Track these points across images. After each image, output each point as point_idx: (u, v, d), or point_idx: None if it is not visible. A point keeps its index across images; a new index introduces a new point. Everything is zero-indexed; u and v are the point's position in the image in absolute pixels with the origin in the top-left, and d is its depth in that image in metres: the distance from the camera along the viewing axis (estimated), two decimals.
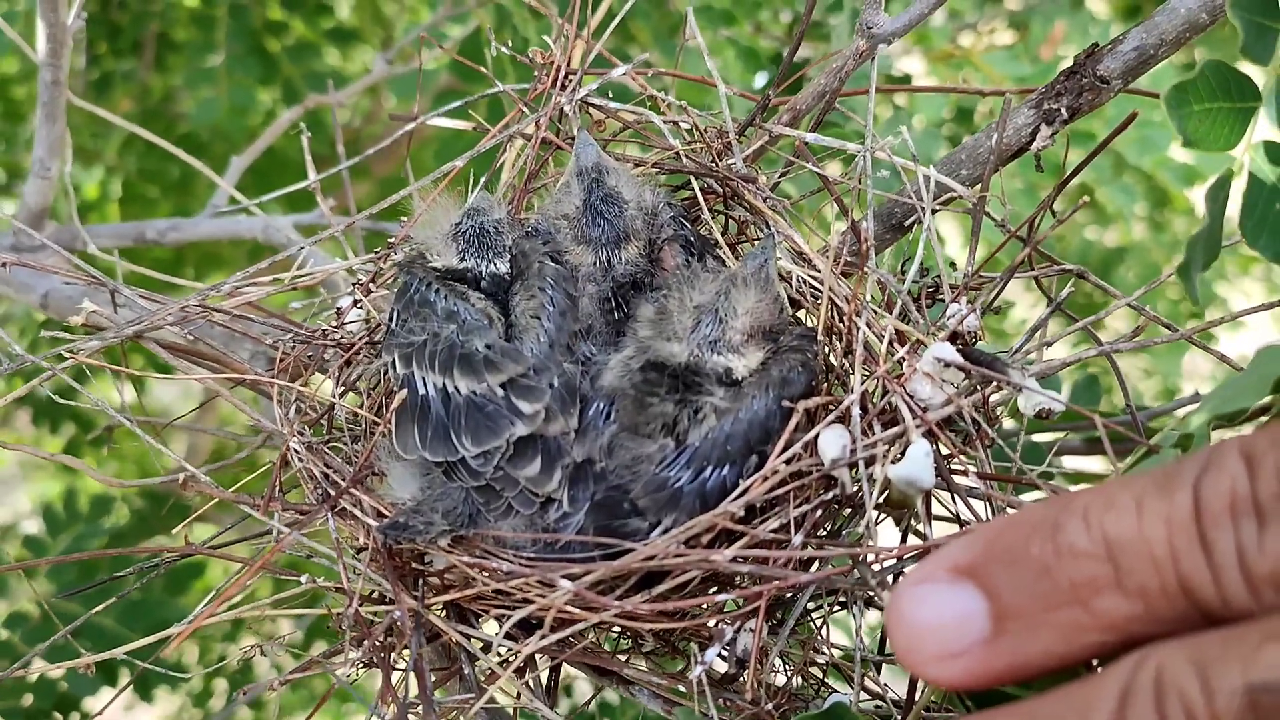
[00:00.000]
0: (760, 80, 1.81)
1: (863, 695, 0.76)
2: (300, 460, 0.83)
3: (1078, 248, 2.82)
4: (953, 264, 0.87)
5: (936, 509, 0.79)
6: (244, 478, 0.93)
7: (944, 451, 0.75)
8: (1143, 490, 0.41)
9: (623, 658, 0.83)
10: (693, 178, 0.94)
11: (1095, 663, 0.45)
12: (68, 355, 0.85)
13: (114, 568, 1.75)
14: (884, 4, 0.86)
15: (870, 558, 0.69)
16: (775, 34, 1.99)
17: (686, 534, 0.71)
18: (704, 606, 0.75)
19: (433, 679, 0.81)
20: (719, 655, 0.73)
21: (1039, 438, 1.21)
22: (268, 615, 0.86)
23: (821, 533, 0.79)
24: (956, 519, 0.79)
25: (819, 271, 0.85)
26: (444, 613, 0.81)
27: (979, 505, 0.76)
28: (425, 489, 0.80)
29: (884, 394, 0.76)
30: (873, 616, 0.83)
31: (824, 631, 0.82)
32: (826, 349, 0.85)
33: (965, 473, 0.75)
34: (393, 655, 0.79)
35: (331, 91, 1.41)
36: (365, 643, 0.77)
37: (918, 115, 1.77)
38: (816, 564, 0.77)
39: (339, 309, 0.94)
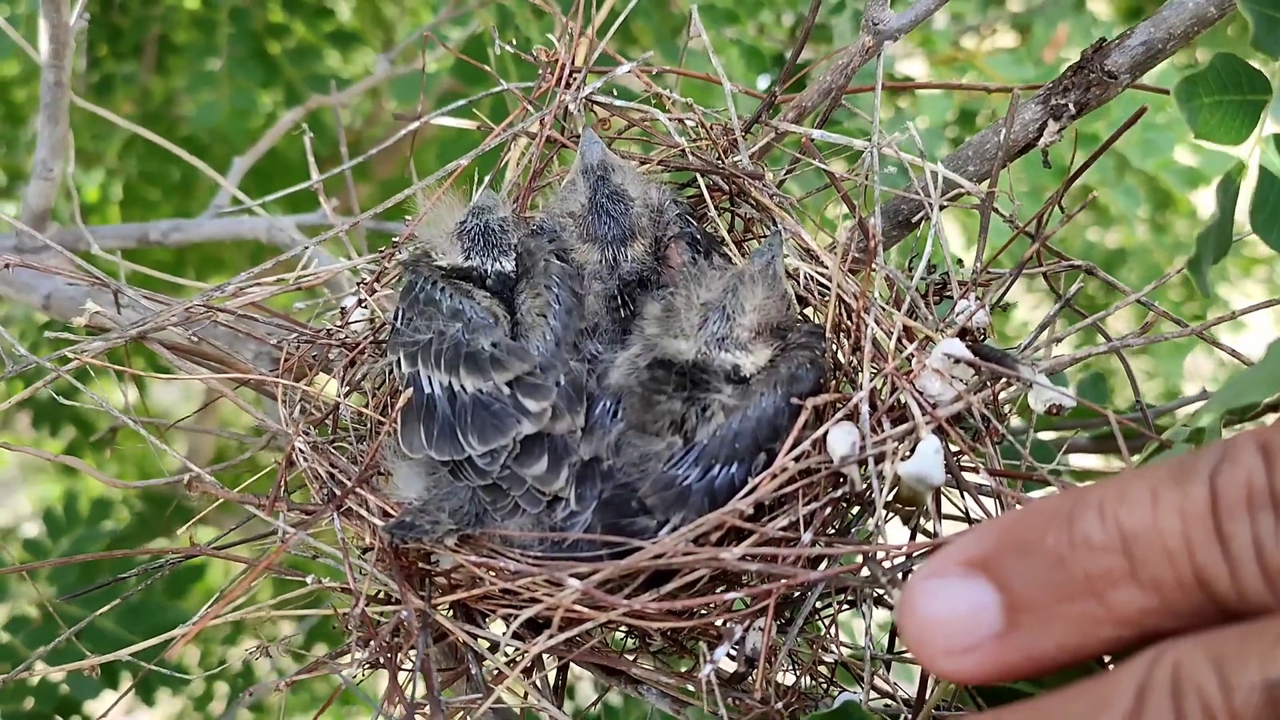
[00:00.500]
0: (763, 83, 1.81)
1: (873, 694, 0.76)
2: (305, 460, 0.82)
3: (1080, 249, 2.82)
4: (959, 261, 0.86)
5: (946, 507, 0.78)
6: (246, 479, 0.92)
7: (954, 448, 0.75)
8: (1158, 482, 0.41)
9: (630, 657, 0.82)
10: (698, 175, 0.94)
11: (1108, 660, 0.45)
12: (73, 356, 0.84)
13: (115, 570, 1.75)
14: (889, 1, 0.86)
15: (880, 555, 0.69)
16: (778, 36, 1.99)
17: (695, 532, 0.71)
18: (712, 605, 0.75)
19: (439, 679, 0.81)
20: (728, 654, 0.73)
21: (1046, 436, 1.21)
22: (270, 617, 0.86)
23: (830, 531, 0.79)
24: (966, 516, 0.79)
25: (826, 268, 0.85)
26: (450, 613, 0.81)
27: (989, 502, 0.76)
28: (431, 488, 0.79)
29: (893, 391, 0.75)
30: (882, 615, 0.83)
31: (833, 630, 0.82)
32: (834, 346, 0.84)
33: (975, 470, 0.75)
34: (399, 655, 0.79)
35: (334, 92, 1.40)
36: (371, 643, 0.77)
37: (921, 117, 1.77)
38: (825, 562, 0.76)
39: (343, 309, 0.94)
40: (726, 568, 0.70)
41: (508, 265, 0.86)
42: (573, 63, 0.96)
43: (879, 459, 0.72)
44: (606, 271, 0.88)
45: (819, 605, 0.80)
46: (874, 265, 0.80)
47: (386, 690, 0.76)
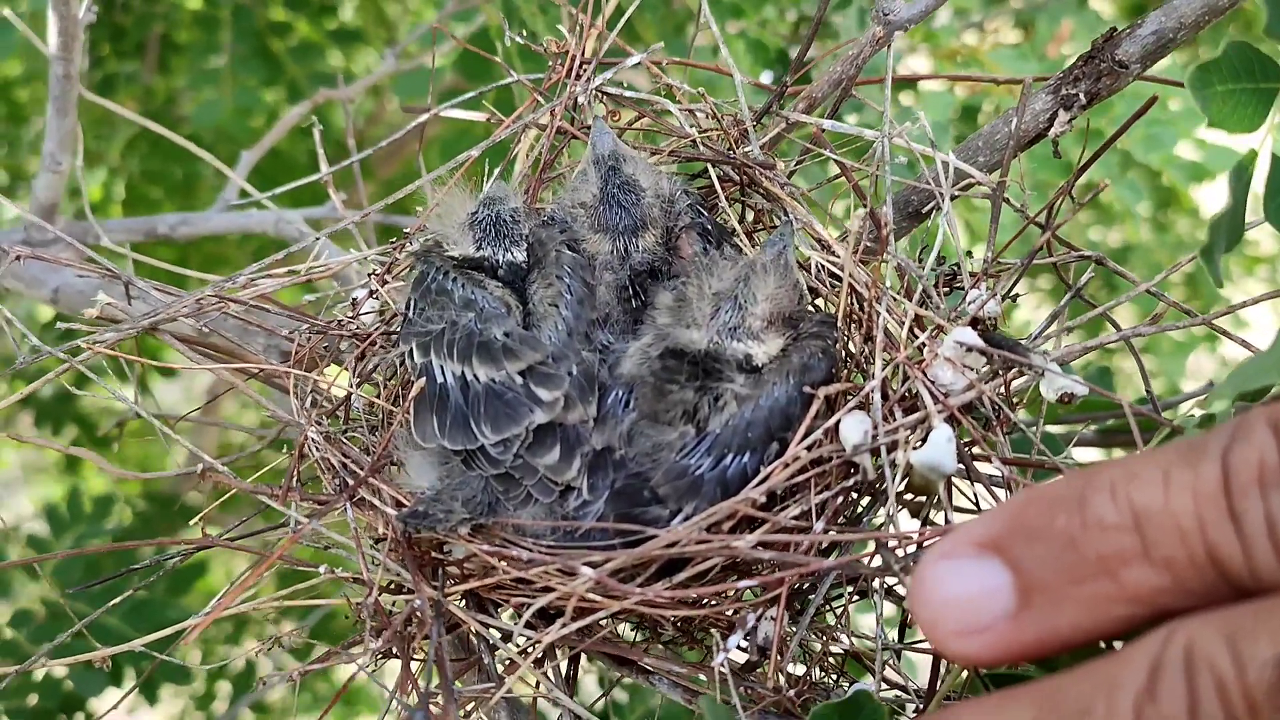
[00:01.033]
0: (766, 78, 1.81)
1: (883, 685, 0.76)
2: (318, 450, 0.82)
3: (1084, 247, 2.82)
4: (970, 252, 0.86)
5: (957, 499, 0.78)
6: (250, 475, 0.92)
7: (965, 437, 0.75)
8: (1170, 462, 0.41)
9: (642, 647, 0.82)
10: (709, 165, 0.94)
11: (1118, 644, 0.45)
12: (86, 347, 0.84)
13: (119, 567, 1.75)
14: None
15: (893, 543, 0.69)
16: (781, 32, 1.99)
17: (707, 521, 0.71)
18: (725, 594, 0.75)
19: (452, 669, 0.81)
20: (739, 644, 0.73)
21: (1053, 429, 1.21)
22: (280, 607, 0.86)
23: (842, 520, 0.79)
24: (977, 506, 0.79)
25: (838, 258, 0.85)
26: (463, 602, 0.81)
27: (1000, 491, 0.76)
28: (444, 478, 0.79)
29: (905, 380, 0.75)
30: (892, 606, 0.83)
31: (845, 620, 0.82)
32: (846, 335, 0.84)
33: (987, 458, 0.75)
34: (412, 645, 0.79)
35: (341, 86, 1.40)
36: (385, 633, 0.77)
37: (925, 113, 1.77)
38: (838, 550, 0.76)
39: (354, 300, 0.94)
40: (739, 556, 0.71)
41: (519, 255, 0.87)
42: (582, 54, 0.96)
43: (891, 448, 0.72)
44: (618, 262, 0.88)
45: (830, 595, 0.80)
46: (886, 254, 0.81)
47: (399, 680, 0.76)
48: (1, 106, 2.80)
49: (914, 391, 0.74)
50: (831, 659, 0.82)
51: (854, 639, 0.82)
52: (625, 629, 0.85)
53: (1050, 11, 2.13)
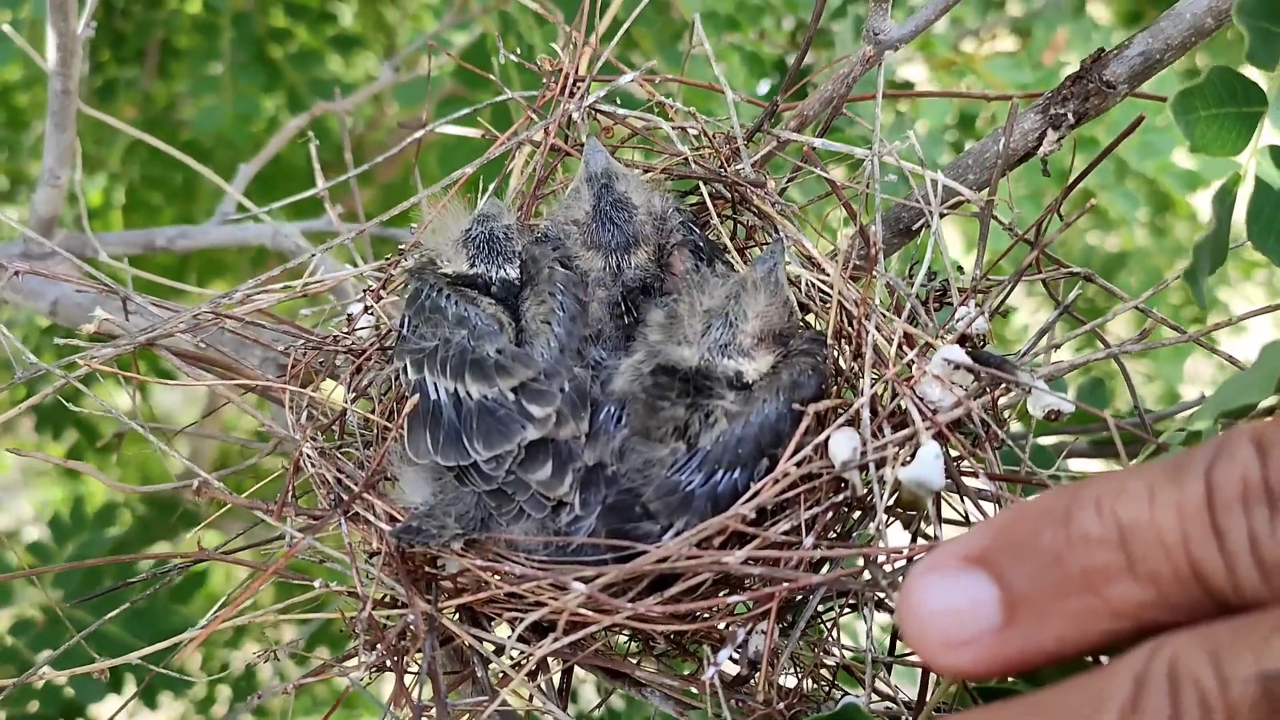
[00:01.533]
0: (764, 88, 1.82)
1: (874, 697, 0.76)
2: (313, 465, 0.83)
3: (1080, 253, 2.83)
4: (960, 268, 0.87)
5: (947, 512, 0.79)
6: (251, 485, 0.93)
7: (954, 454, 0.76)
8: (1155, 478, 0.41)
9: (634, 660, 0.83)
10: (701, 183, 0.95)
11: (1104, 658, 0.46)
12: (81, 363, 0.85)
13: (119, 575, 1.76)
14: (889, 11, 0.86)
15: (881, 558, 0.70)
16: (779, 42, 2.00)
17: (698, 536, 0.72)
18: (716, 609, 0.75)
19: (445, 682, 0.81)
20: (730, 658, 0.74)
21: (1045, 441, 1.21)
22: (276, 620, 0.86)
23: (832, 535, 0.79)
24: (966, 521, 0.80)
25: (828, 276, 0.86)
26: (456, 616, 0.82)
27: (989, 506, 0.77)
28: (437, 493, 0.80)
29: (893, 396, 0.76)
30: (883, 618, 0.84)
31: (835, 633, 0.82)
32: (836, 352, 0.85)
33: (975, 474, 0.76)
34: (405, 659, 0.80)
35: (338, 99, 1.41)
36: (379, 646, 0.78)
37: (920, 121, 1.78)
38: (827, 565, 0.77)
39: (349, 315, 0.95)
40: (729, 571, 0.71)
41: (512, 272, 0.87)
42: (576, 71, 0.97)
43: (880, 464, 0.73)
44: (610, 278, 0.89)
45: (821, 609, 0.81)
46: (875, 272, 0.81)
47: (393, 693, 0.77)
48: (1, 112, 2.81)
49: (903, 408, 0.75)
50: (825, 671, 0.82)
51: (844, 652, 0.82)
52: (620, 640, 0.86)
53: (1046, 19, 2.14)
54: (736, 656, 0.75)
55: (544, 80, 0.98)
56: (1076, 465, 1.32)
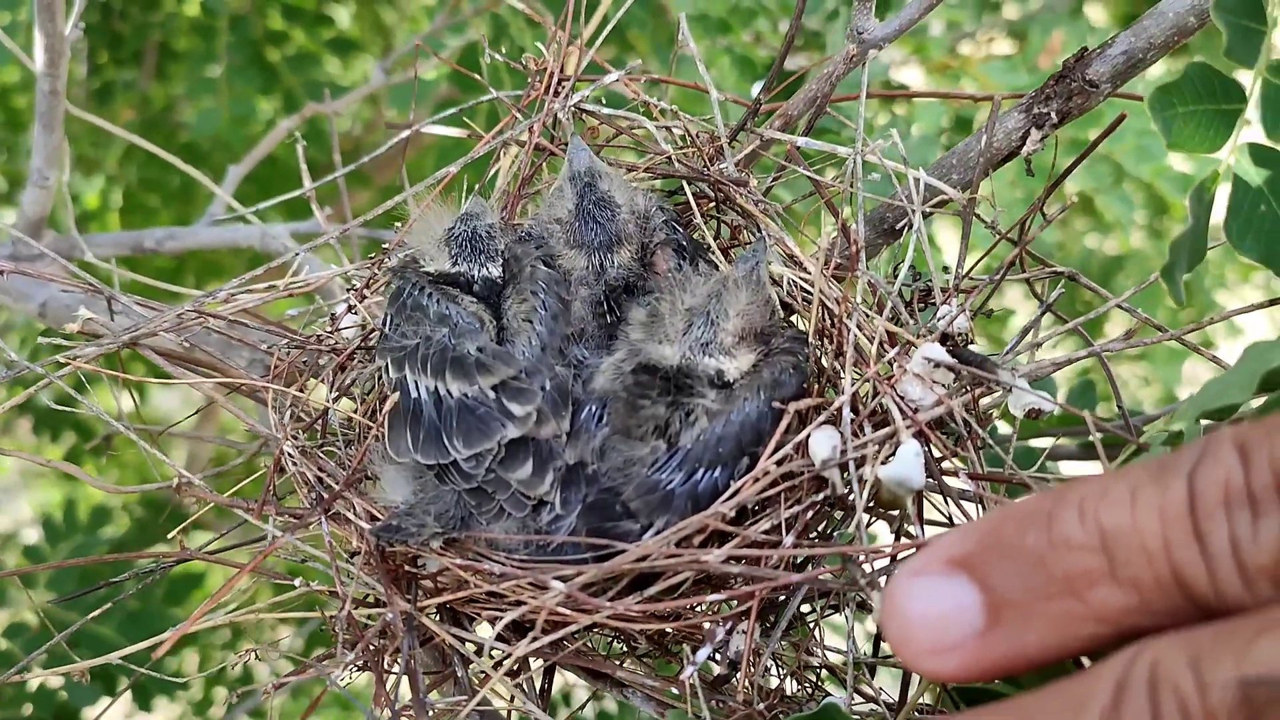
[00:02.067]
0: (757, 90, 1.81)
1: (856, 698, 0.76)
2: (294, 465, 0.83)
3: (1079, 255, 2.82)
4: (946, 267, 0.87)
5: (932, 513, 0.79)
6: (244, 481, 0.93)
7: (935, 453, 0.75)
8: (1137, 481, 0.41)
9: (616, 660, 0.83)
10: (685, 182, 0.95)
11: (1086, 662, 0.46)
12: (65, 362, 0.85)
13: (114, 576, 1.75)
14: (874, 10, 0.86)
15: (861, 558, 0.69)
16: (774, 45, 1.99)
17: (678, 535, 0.72)
18: (696, 608, 0.75)
19: (426, 681, 0.81)
20: (710, 658, 0.73)
21: (1039, 443, 1.21)
22: (266, 620, 0.86)
23: (814, 534, 0.79)
24: (950, 521, 0.79)
25: (810, 274, 0.86)
26: (437, 615, 0.81)
27: (970, 506, 0.77)
28: (418, 492, 0.80)
29: (875, 395, 0.76)
30: (866, 618, 0.84)
31: (817, 633, 0.82)
32: (817, 351, 0.85)
33: (956, 473, 0.75)
34: (386, 658, 0.79)
35: (328, 100, 1.41)
36: (358, 646, 0.78)
37: (917, 125, 1.78)
38: (810, 564, 0.77)
39: (333, 315, 0.95)
40: (710, 570, 0.71)
41: (495, 271, 0.87)
42: (561, 71, 0.97)
43: (860, 462, 0.73)
44: (593, 277, 0.89)
45: (804, 610, 0.81)
46: (857, 271, 0.81)
47: (374, 693, 0.77)
48: None
49: (884, 407, 0.75)
50: (809, 672, 0.82)
51: (827, 653, 0.82)
52: (604, 640, 0.86)
53: (1042, 22, 2.13)
54: (717, 656, 0.75)
55: (529, 80, 0.98)
56: (1066, 467, 1.32)
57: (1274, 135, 0.66)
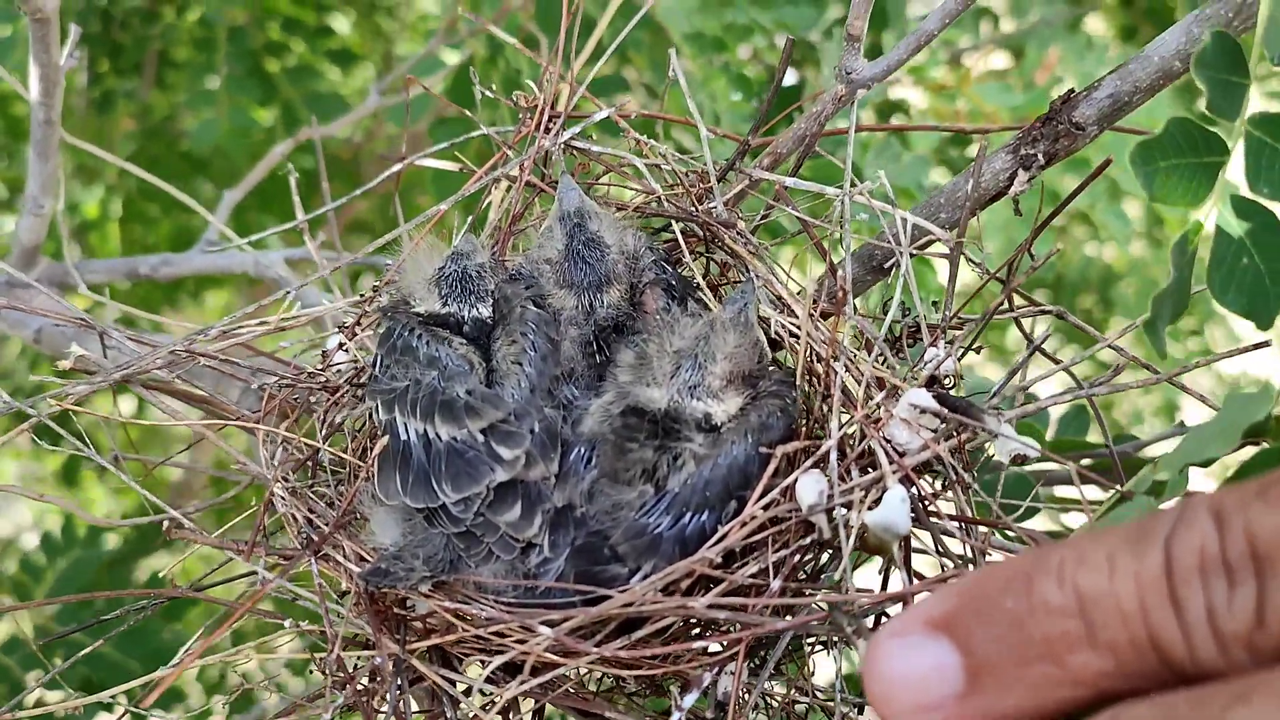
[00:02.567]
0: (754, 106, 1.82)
1: None
2: (284, 505, 0.83)
3: (1078, 265, 2.82)
4: (935, 304, 0.87)
5: (921, 556, 0.79)
6: (232, 517, 0.94)
7: (923, 496, 0.76)
8: (1115, 546, 0.41)
9: (606, 698, 0.83)
10: (674, 221, 0.95)
11: None
12: (55, 404, 0.85)
13: (107, 599, 1.75)
14: (862, 50, 0.87)
15: (845, 604, 0.70)
16: (771, 62, 1.99)
17: (665, 580, 0.72)
18: (684, 651, 0.75)
19: None
20: (698, 701, 0.74)
21: (1032, 468, 1.21)
22: (255, 660, 0.87)
23: (802, 576, 0.80)
24: (941, 564, 0.80)
25: (797, 317, 0.86)
26: (427, 656, 0.82)
27: (954, 544, 0.77)
28: (407, 534, 0.80)
29: (862, 438, 0.76)
30: (854, 659, 0.84)
31: (805, 672, 0.82)
32: (807, 393, 0.85)
33: (941, 516, 0.76)
34: (375, 699, 0.80)
35: (314, 125, 1.42)
36: (347, 687, 0.78)
37: (916, 149, 1.77)
38: (797, 608, 0.77)
39: (325, 351, 0.95)
40: (695, 616, 0.71)
41: (485, 311, 0.87)
42: (552, 107, 0.97)
43: (846, 508, 0.73)
44: (583, 317, 0.89)
45: (791, 649, 0.81)
46: (844, 313, 0.81)
47: None
48: (0, 121, 2.81)
49: (871, 451, 0.75)
50: (798, 709, 0.83)
51: (817, 694, 0.82)
52: (595, 677, 0.86)
53: (1039, 37, 2.13)
54: (707, 697, 0.75)
55: (520, 116, 0.98)
56: (1063, 491, 1.32)
57: (1256, 188, 0.66)
